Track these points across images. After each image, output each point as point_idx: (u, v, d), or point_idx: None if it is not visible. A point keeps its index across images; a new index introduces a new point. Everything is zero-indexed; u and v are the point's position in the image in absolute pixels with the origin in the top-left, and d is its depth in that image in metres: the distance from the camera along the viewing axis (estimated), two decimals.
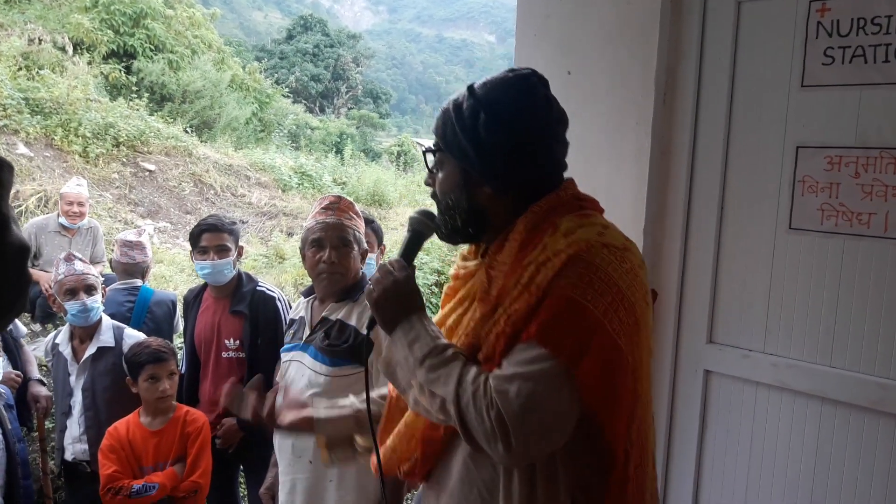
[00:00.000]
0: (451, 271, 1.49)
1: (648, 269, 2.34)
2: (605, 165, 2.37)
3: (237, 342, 2.93)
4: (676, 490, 2.40)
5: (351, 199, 2.43)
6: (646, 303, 1.27)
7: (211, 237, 2.93)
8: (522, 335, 1.18)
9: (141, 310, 3.51)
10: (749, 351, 2.22)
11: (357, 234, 2.34)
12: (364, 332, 2.22)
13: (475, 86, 1.35)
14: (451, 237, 1.39)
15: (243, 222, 9.99)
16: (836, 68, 2.04)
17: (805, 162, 2.10)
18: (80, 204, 5.11)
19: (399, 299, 1.34)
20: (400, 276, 1.36)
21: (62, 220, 5.09)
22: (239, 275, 3.04)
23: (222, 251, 2.93)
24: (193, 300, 3.12)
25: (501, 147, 1.28)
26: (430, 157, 1.41)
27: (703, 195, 2.28)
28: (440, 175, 1.38)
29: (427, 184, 1.44)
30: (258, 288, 3.01)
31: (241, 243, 3.09)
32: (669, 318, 2.32)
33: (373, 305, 1.37)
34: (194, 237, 2.98)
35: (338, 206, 2.33)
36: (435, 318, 1.43)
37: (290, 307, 3.02)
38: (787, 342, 2.15)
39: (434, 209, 1.43)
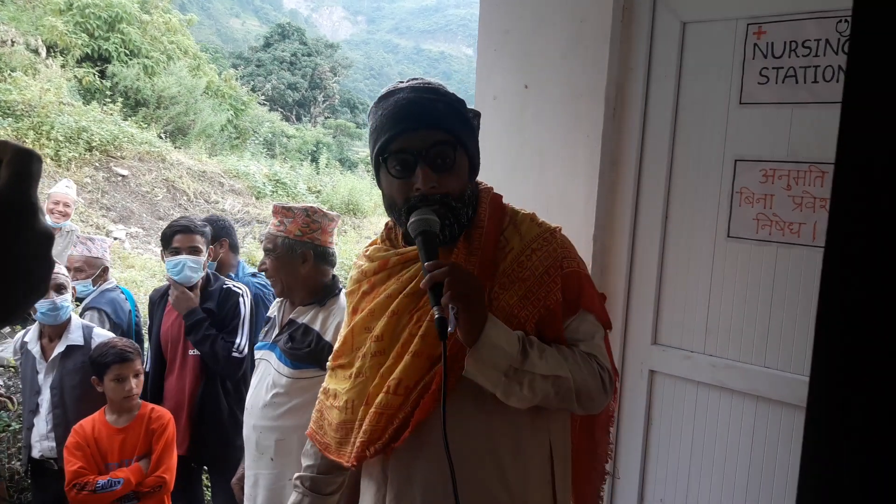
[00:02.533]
0: (364, 265, 1.54)
1: (598, 273, 2.47)
2: (557, 175, 2.49)
3: None
4: (624, 482, 2.52)
5: (284, 204, 2.44)
6: None
7: (183, 238, 2.98)
8: (578, 306, 1.46)
9: (134, 306, 3.65)
10: (690, 352, 2.35)
11: (286, 239, 2.35)
12: (326, 338, 2.31)
13: (421, 83, 1.47)
14: (453, 238, 1.44)
15: None
16: (771, 87, 2.19)
17: (742, 174, 2.25)
18: (66, 205, 5.20)
19: (483, 298, 1.34)
20: (468, 275, 1.32)
21: (46, 218, 5.14)
22: (207, 276, 3.09)
23: (194, 252, 2.98)
24: (160, 300, 3.17)
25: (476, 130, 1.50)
26: (447, 153, 1.40)
27: (649, 204, 2.42)
28: (453, 172, 1.41)
29: (432, 187, 1.38)
30: (225, 286, 3.08)
31: (213, 245, 3.16)
32: (617, 321, 2.44)
33: (467, 308, 1.28)
34: (167, 238, 3.02)
35: (273, 214, 2.42)
36: (359, 318, 1.50)
37: (248, 302, 3.08)
38: (726, 344, 2.28)
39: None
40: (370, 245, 1.62)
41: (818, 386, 0.91)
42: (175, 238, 2.99)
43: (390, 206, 1.47)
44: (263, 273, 2.41)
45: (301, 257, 2.35)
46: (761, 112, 2.20)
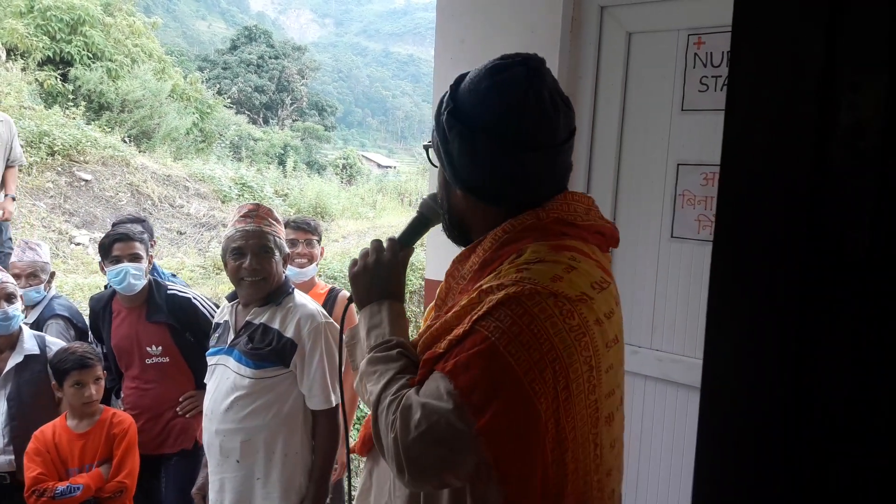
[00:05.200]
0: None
1: None
2: None
3: (160, 348, 2.96)
4: None
5: (269, 207, 2.49)
6: (589, 365, 1.10)
7: (123, 246, 2.92)
8: (444, 363, 1.09)
9: None
10: (638, 347, 2.45)
11: (277, 239, 2.40)
12: (288, 335, 2.35)
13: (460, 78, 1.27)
14: (451, 236, 1.36)
15: (181, 233, 9.92)
16: (710, 95, 2.30)
17: (685, 178, 2.36)
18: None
19: (375, 280, 1.31)
20: (385, 258, 1.33)
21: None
22: (149, 283, 3.02)
23: (135, 259, 2.92)
24: (103, 310, 3.08)
25: (462, 147, 1.20)
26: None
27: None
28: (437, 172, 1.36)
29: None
30: (169, 292, 3.02)
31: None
32: None
33: (350, 279, 1.35)
34: (105, 248, 2.95)
35: (256, 214, 2.39)
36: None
37: (206, 305, 3.07)
38: (671, 339, 2.39)
39: None
40: None
41: (710, 369, 1.00)
42: (114, 247, 2.92)
43: None
44: (254, 272, 2.34)
45: (285, 258, 2.45)
46: (702, 118, 2.31)
